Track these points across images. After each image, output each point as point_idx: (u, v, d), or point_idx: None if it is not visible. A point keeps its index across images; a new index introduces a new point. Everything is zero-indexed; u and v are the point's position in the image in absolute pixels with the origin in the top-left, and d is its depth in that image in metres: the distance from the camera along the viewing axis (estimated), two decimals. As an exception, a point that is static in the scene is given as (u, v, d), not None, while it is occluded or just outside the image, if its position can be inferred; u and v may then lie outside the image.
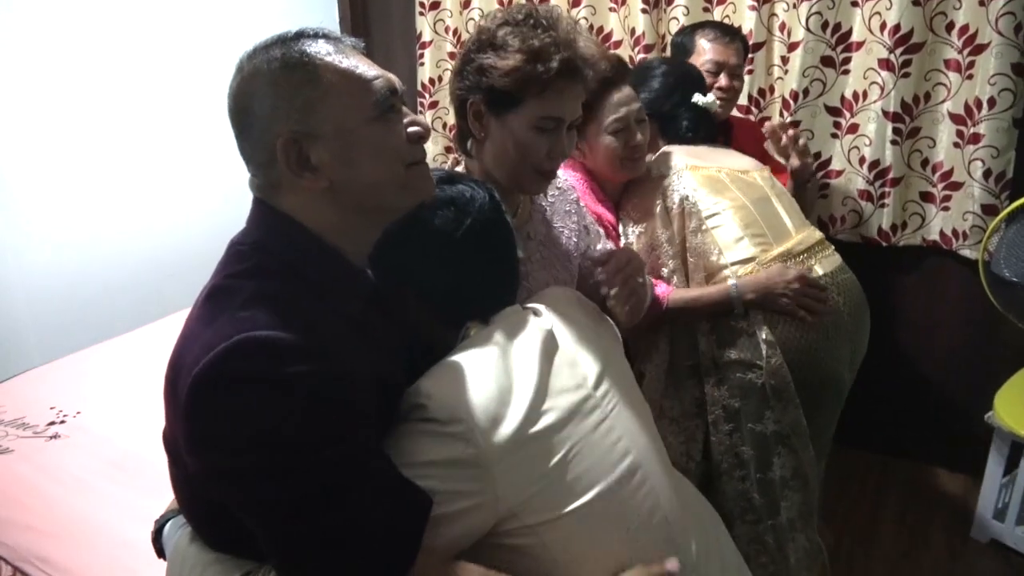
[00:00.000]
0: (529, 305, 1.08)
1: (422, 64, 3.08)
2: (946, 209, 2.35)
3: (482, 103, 1.24)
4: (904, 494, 2.49)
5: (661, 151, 1.85)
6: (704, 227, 1.72)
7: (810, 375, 1.67)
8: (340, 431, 0.82)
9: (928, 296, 2.50)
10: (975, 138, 2.23)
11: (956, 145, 2.28)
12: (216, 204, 2.93)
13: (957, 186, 2.31)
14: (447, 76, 3.04)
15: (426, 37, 3.03)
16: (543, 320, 1.04)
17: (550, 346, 1.00)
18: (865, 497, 2.48)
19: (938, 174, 2.34)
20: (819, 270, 1.72)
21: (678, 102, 1.90)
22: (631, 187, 1.81)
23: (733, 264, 1.69)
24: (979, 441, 2.26)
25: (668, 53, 2.41)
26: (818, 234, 1.82)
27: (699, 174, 1.77)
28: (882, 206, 2.42)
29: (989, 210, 2.25)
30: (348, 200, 0.90)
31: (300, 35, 0.90)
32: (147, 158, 2.76)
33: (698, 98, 1.90)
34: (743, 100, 2.46)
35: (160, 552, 1.06)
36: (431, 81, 3.08)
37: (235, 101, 0.90)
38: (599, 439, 0.95)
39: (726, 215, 1.72)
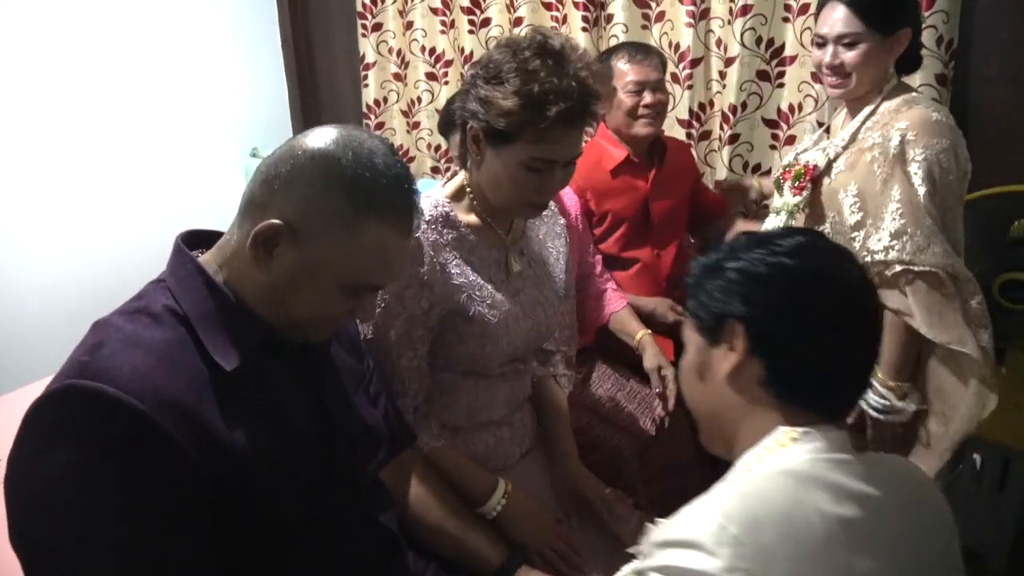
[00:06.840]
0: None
1: (366, 86, 3.07)
2: (879, 211, 2.49)
3: (480, 131, 1.24)
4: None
5: (913, 98, 1.67)
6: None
7: None
8: (140, 500, 0.77)
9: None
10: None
11: (886, 151, 2.42)
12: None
13: (888, 189, 2.45)
14: (392, 97, 3.05)
15: (369, 58, 3.03)
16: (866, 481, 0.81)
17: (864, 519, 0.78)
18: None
19: (870, 179, 2.48)
20: None
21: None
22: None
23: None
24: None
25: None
26: None
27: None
28: (821, 211, 2.54)
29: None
30: (276, 296, 0.90)
31: (400, 179, 0.90)
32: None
33: None
34: (683, 115, 2.56)
35: None
36: (376, 103, 3.08)
37: (283, 156, 0.88)
38: None
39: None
